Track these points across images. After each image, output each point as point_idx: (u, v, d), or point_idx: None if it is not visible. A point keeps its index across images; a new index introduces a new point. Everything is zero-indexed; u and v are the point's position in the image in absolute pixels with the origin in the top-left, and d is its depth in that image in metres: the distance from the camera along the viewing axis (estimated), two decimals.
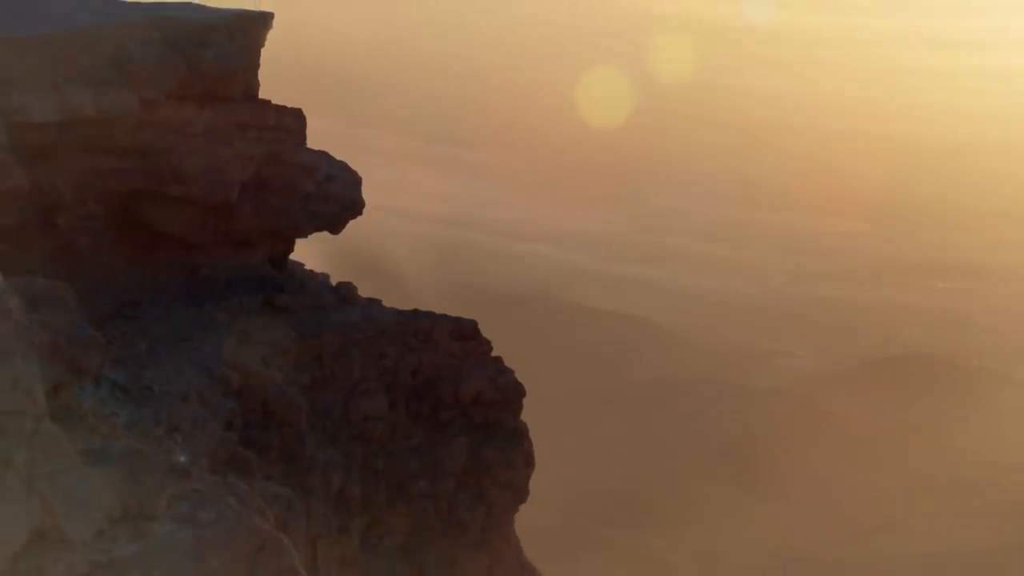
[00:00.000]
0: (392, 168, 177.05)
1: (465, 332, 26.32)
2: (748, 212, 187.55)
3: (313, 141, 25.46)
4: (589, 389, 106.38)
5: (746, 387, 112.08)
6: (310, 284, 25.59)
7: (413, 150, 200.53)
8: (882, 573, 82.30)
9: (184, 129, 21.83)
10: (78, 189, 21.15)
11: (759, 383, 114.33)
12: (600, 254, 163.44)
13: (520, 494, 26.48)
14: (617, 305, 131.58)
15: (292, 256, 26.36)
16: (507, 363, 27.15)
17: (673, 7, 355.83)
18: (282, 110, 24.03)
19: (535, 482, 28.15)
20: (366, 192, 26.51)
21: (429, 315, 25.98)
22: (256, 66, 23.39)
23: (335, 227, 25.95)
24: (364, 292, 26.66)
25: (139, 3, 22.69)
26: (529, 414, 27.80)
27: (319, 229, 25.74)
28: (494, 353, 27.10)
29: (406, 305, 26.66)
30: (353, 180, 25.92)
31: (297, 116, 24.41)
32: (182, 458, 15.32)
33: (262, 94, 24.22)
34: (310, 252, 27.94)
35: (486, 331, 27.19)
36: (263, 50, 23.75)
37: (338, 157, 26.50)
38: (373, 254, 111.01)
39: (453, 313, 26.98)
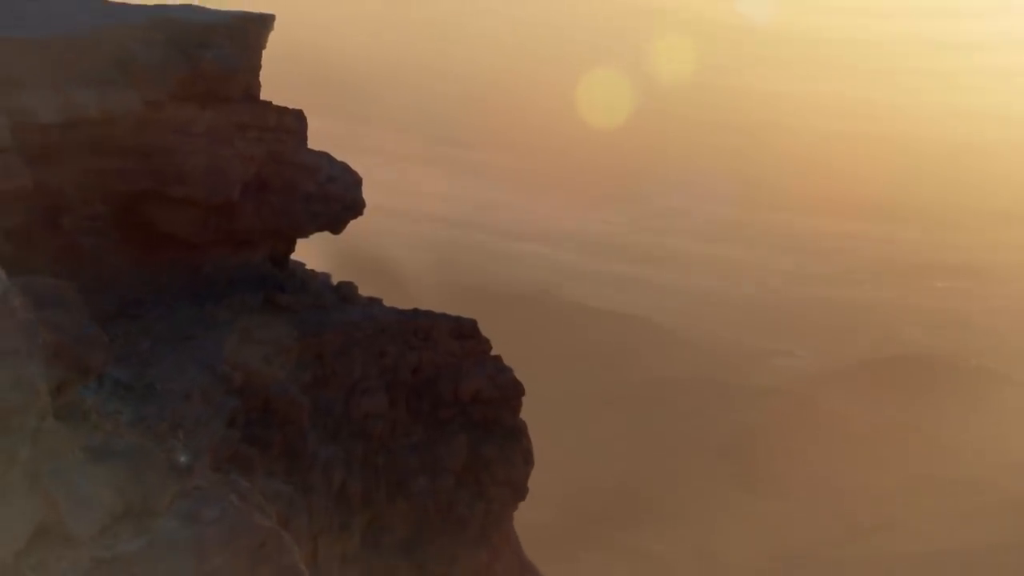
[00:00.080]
0: (392, 168, 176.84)
1: (465, 331, 26.41)
2: (748, 212, 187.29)
3: (314, 141, 25.51)
4: (589, 388, 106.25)
5: (746, 386, 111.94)
6: (311, 283, 25.63)
7: (414, 150, 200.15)
8: (882, 571, 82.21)
9: (186, 129, 21.85)
10: (82, 189, 21.17)
11: (759, 382, 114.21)
12: (600, 254, 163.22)
13: (519, 491, 26.54)
14: (617, 304, 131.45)
15: (293, 256, 26.38)
16: (507, 362, 27.23)
17: (673, 6, 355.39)
18: (283, 111, 24.08)
19: (535, 481, 28.22)
20: (367, 192, 26.59)
21: (429, 314, 26.06)
22: (257, 67, 23.43)
23: (336, 227, 26.03)
24: (365, 291, 26.73)
25: (141, 5, 22.72)
26: (529, 413, 27.88)
27: (320, 229, 25.82)
28: (494, 352, 27.20)
29: (406, 304, 26.76)
30: (354, 181, 26.00)
31: (298, 117, 24.47)
32: (182, 458, 15.28)
33: (263, 95, 24.27)
34: (311, 252, 27.99)
35: (486, 330, 27.28)
36: (264, 51, 23.81)
37: (339, 157, 26.59)
38: (374, 254, 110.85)
39: (453, 313, 27.08)
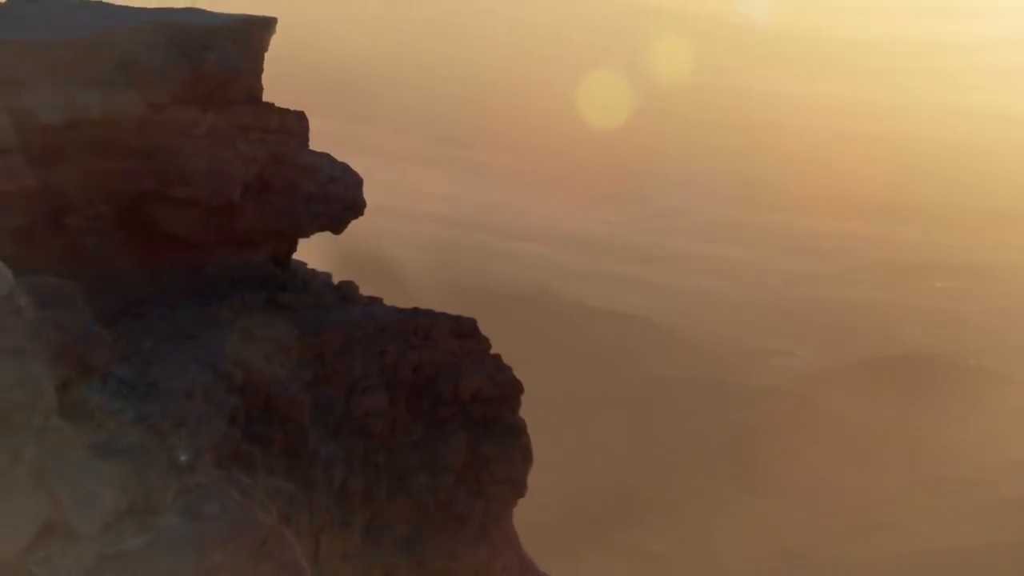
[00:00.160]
0: (392, 168, 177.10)
1: (464, 330, 26.53)
2: (748, 212, 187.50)
3: (314, 142, 25.63)
4: (589, 387, 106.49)
5: (746, 386, 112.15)
6: (312, 283, 25.77)
7: (414, 151, 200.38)
8: (882, 570, 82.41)
9: (188, 131, 22.00)
10: (85, 190, 21.32)
11: (759, 382, 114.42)
12: (600, 254, 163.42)
13: (518, 489, 26.69)
14: (617, 304, 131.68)
15: (295, 255, 26.50)
16: (507, 362, 27.33)
17: (673, 6, 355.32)
18: (284, 112, 24.23)
19: (536, 480, 28.38)
20: (367, 192, 26.74)
21: (429, 313, 26.16)
22: (259, 70, 23.59)
23: (337, 227, 26.17)
24: (365, 291, 26.84)
25: (144, 8, 22.87)
26: (529, 413, 28.03)
27: (321, 229, 25.95)
28: (494, 351, 27.32)
29: (407, 304, 26.86)
30: (355, 181, 26.17)
31: (299, 118, 24.63)
32: (183, 457, 15.44)
33: (264, 96, 24.46)
34: (312, 252, 28.15)
35: (487, 330, 27.41)
36: (265, 52, 23.98)
37: (339, 158, 26.74)
38: (374, 254, 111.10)
39: (454, 312, 27.21)
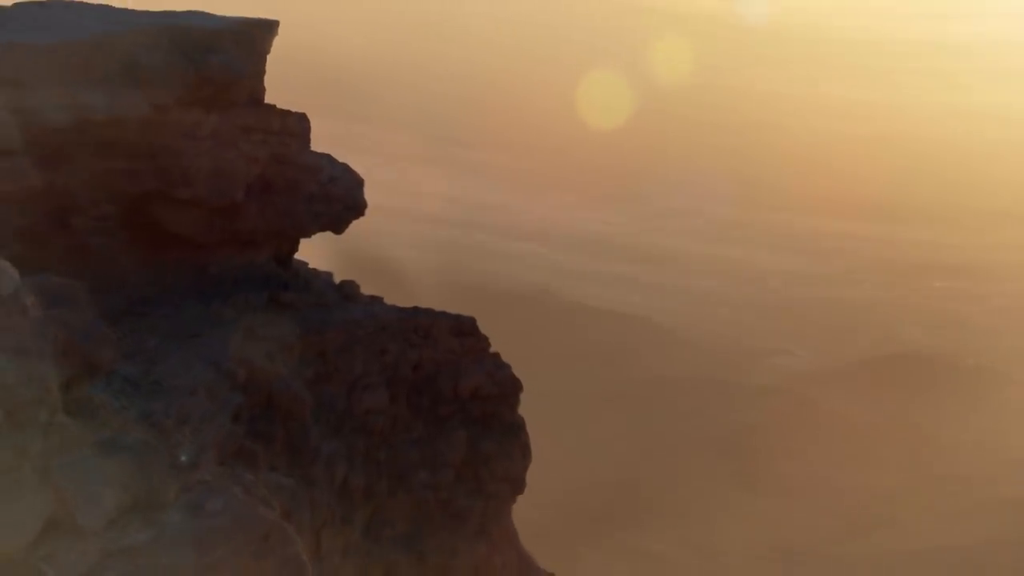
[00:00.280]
0: (393, 168, 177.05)
1: (464, 329, 26.68)
2: (748, 212, 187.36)
3: (314, 142, 25.73)
4: (589, 387, 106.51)
5: (746, 385, 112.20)
6: (314, 282, 25.91)
7: (413, 151, 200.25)
8: (882, 568, 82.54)
9: (192, 133, 22.19)
10: (91, 190, 21.51)
11: (759, 381, 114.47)
12: (600, 254, 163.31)
13: (517, 485, 26.84)
14: (617, 304, 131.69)
15: (297, 255, 26.62)
16: (508, 361, 27.45)
17: (672, 6, 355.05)
18: (286, 114, 24.40)
19: (536, 479, 28.55)
20: (368, 192, 26.87)
21: (429, 312, 26.29)
22: (262, 72, 23.76)
23: (338, 227, 26.30)
24: (366, 290, 26.96)
25: (148, 11, 23.05)
26: (530, 412, 28.18)
27: (323, 229, 26.07)
28: (494, 350, 27.46)
29: (407, 303, 27.00)
30: (355, 181, 26.32)
31: (301, 119, 24.79)
32: (183, 458, 15.53)
33: (265, 96, 24.63)
34: (314, 251, 28.30)
35: (487, 329, 27.55)
36: (267, 55, 24.16)
37: (340, 158, 26.89)
38: (375, 253, 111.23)
39: (454, 311, 27.37)
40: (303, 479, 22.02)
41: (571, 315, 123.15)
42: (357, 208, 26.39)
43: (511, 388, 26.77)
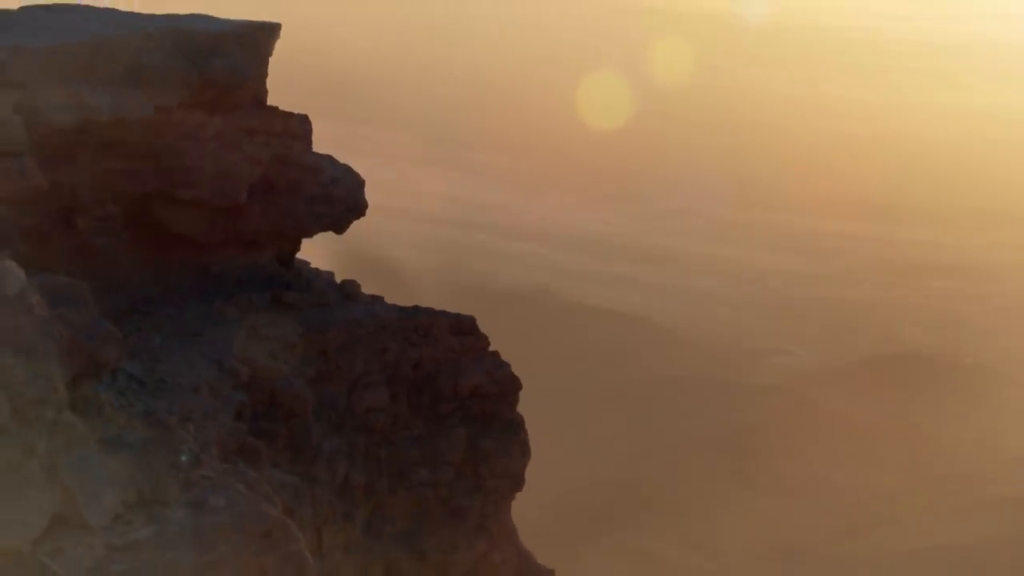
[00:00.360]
0: (393, 169, 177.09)
1: (464, 328, 26.82)
2: (748, 212, 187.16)
3: (317, 143, 25.88)
4: (589, 386, 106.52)
5: (746, 385, 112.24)
6: (316, 282, 26.06)
7: (414, 151, 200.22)
8: (882, 566, 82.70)
9: (196, 134, 22.42)
10: (95, 191, 21.75)
11: (758, 381, 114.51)
12: (600, 254, 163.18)
13: (517, 482, 27.00)
14: (617, 304, 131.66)
15: (298, 255, 26.79)
16: (508, 360, 27.58)
17: (672, 6, 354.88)
18: (288, 116, 24.58)
19: (536, 478, 28.71)
20: (369, 193, 27.00)
21: (429, 311, 26.41)
22: (264, 74, 23.96)
23: (340, 227, 26.43)
24: (367, 289, 27.07)
25: (153, 15, 23.28)
26: (530, 411, 28.31)
27: (324, 229, 26.19)
28: (495, 350, 27.63)
29: (407, 302, 27.11)
30: (357, 182, 26.48)
31: (303, 121, 24.97)
32: (184, 458, 15.71)
33: (269, 98, 24.87)
34: (316, 251, 28.45)
35: (487, 329, 27.67)
36: (270, 57, 24.37)
37: (341, 159, 27.07)
38: (376, 253, 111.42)
39: (454, 310, 27.51)
40: (305, 476, 22.24)
41: (571, 315, 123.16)
42: (358, 209, 26.55)
43: (510, 386, 26.93)
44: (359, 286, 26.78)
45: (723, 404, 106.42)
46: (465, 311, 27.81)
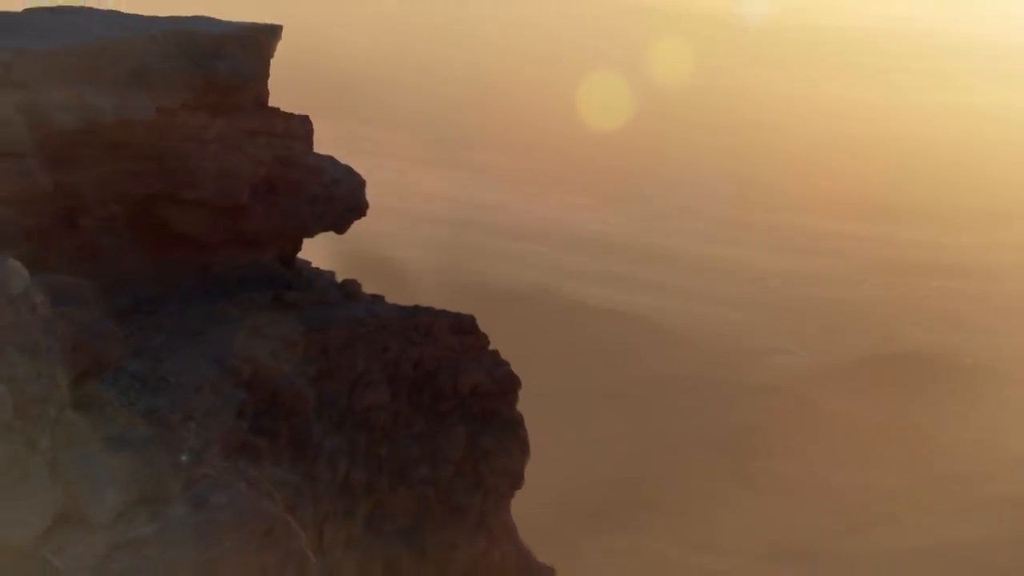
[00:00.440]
0: (393, 169, 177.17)
1: (464, 327, 26.94)
2: (748, 212, 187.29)
3: (317, 143, 26.04)
4: (589, 385, 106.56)
5: (745, 384, 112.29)
6: (317, 281, 26.20)
7: (414, 152, 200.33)
8: (882, 566, 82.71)
9: (198, 135, 22.59)
10: (99, 191, 21.91)
11: (758, 380, 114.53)
12: (600, 254, 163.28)
13: (516, 480, 27.12)
14: (617, 303, 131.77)
15: (300, 255, 26.94)
16: (508, 359, 27.71)
17: (671, 6, 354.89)
18: (290, 117, 24.77)
19: (535, 477, 28.82)
20: (369, 193, 27.15)
21: (429, 311, 26.52)
22: (266, 76, 24.14)
23: (340, 227, 26.58)
24: (368, 289, 27.19)
25: (155, 17, 23.45)
26: (530, 410, 28.42)
27: (325, 229, 26.33)
28: (495, 349, 27.77)
29: (408, 301, 27.23)
30: (358, 182, 26.63)
31: (304, 122, 25.16)
32: (185, 456, 15.78)
33: (270, 99, 25.04)
34: (317, 251, 28.58)
35: (487, 328, 27.79)
36: (272, 59, 24.55)
37: (342, 159, 27.24)
38: (376, 253, 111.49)
39: (454, 310, 27.64)
40: (306, 474, 22.34)
41: (571, 314, 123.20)
42: (359, 209, 26.69)
43: (510, 385, 27.06)
44: (360, 286, 26.92)
45: (723, 404, 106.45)
46: (465, 310, 27.92)
